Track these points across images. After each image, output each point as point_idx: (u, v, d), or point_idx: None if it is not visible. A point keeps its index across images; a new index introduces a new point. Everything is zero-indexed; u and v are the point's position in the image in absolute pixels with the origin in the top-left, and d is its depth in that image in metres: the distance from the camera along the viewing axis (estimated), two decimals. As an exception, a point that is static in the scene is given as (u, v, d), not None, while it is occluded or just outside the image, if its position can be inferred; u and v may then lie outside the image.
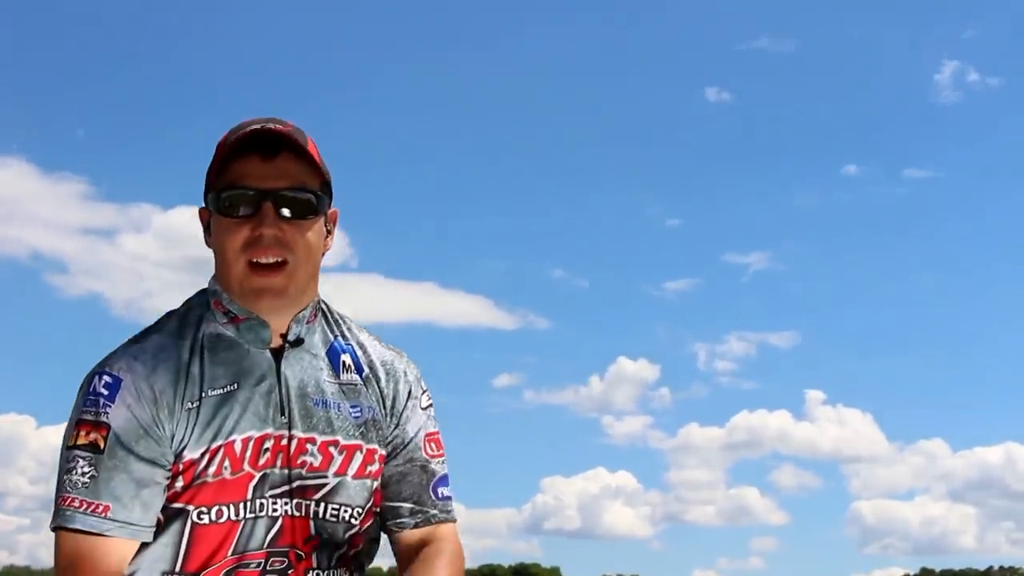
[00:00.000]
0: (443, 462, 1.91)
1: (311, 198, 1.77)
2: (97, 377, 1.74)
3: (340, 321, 1.91)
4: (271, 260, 1.74)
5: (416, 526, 1.88)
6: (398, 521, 1.88)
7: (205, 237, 1.81)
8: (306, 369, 1.81)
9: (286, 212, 1.75)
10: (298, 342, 1.82)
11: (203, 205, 1.82)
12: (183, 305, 1.85)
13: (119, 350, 1.78)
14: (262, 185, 1.74)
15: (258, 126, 1.75)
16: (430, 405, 1.93)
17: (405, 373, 1.91)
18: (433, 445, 1.91)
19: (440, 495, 1.90)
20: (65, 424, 1.75)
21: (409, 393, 1.90)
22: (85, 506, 1.69)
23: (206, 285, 1.85)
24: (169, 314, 1.84)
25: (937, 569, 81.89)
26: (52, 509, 1.71)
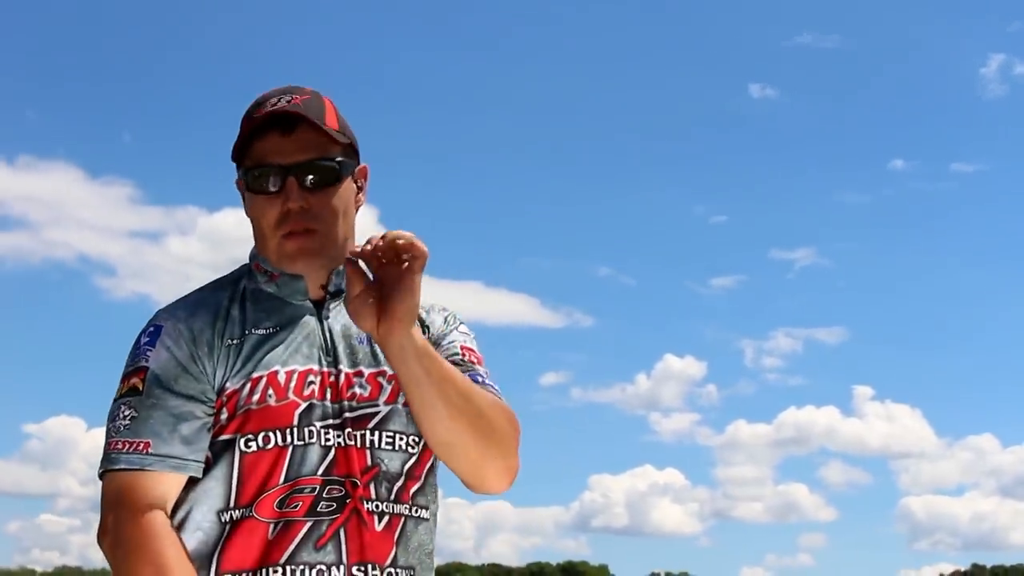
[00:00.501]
0: (485, 372, 1.90)
1: (333, 166, 1.85)
2: (142, 332, 1.84)
3: None
4: (301, 229, 1.83)
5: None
6: None
7: (245, 206, 1.89)
8: (348, 315, 1.80)
9: (309, 184, 1.83)
10: (338, 293, 1.88)
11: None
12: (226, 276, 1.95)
13: (169, 305, 1.88)
14: (284, 161, 1.82)
15: (275, 101, 1.84)
16: (468, 334, 1.96)
17: (444, 309, 1.97)
18: (471, 355, 1.92)
19: (481, 380, 1.86)
20: None
21: (446, 320, 1.95)
22: (127, 446, 1.75)
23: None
24: (212, 281, 1.93)
25: (988, 565, 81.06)
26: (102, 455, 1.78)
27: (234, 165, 1.89)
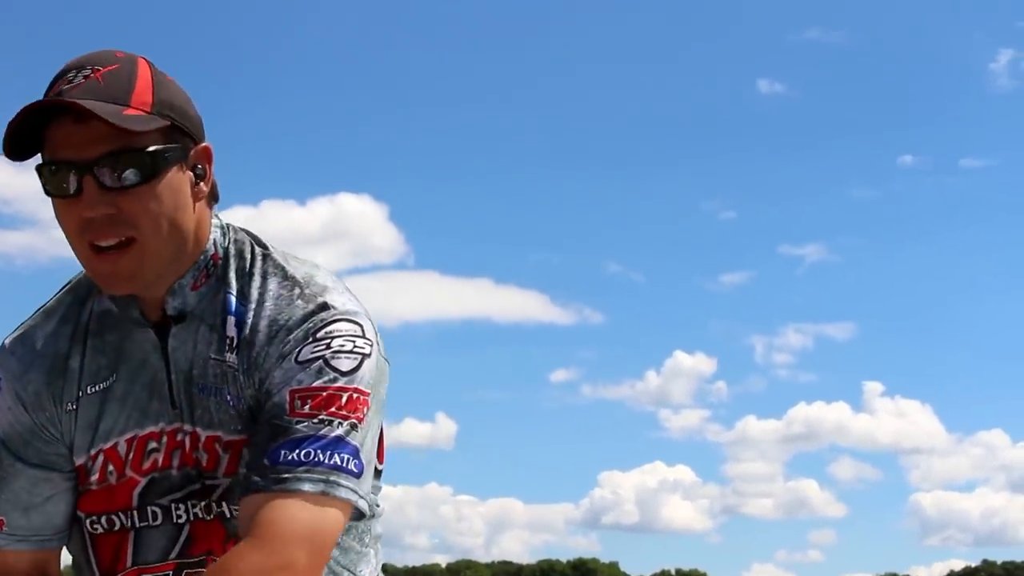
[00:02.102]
0: (326, 423, 1.44)
1: (144, 158, 1.44)
2: None
3: (253, 267, 1.58)
4: (112, 242, 1.45)
5: (240, 497, 1.46)
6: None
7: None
8: (197, 344, 1.55)
9: (110, 182, 1.43)
10: (180, 317, 1.55)
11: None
12: (82, 271, 1.58)
13: (7, 341, 1.61)
14: (78, 156, 1.42)
15: (71, 76, 1.45)
16: (319, 358, 1.47)
17: (288, 320, 1.52)
18: (303, 403, 1.45)
19: (284, 457, 1.42)
20: None
21: (284, 342, 1.50)
22: None
23: None
24: (69, 285, 1.63)
25: (999, 560, 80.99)
26: None
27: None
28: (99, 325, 1.58)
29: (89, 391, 1.56)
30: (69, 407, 1.56)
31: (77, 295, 1.60)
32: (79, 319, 1.59)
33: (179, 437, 1.54)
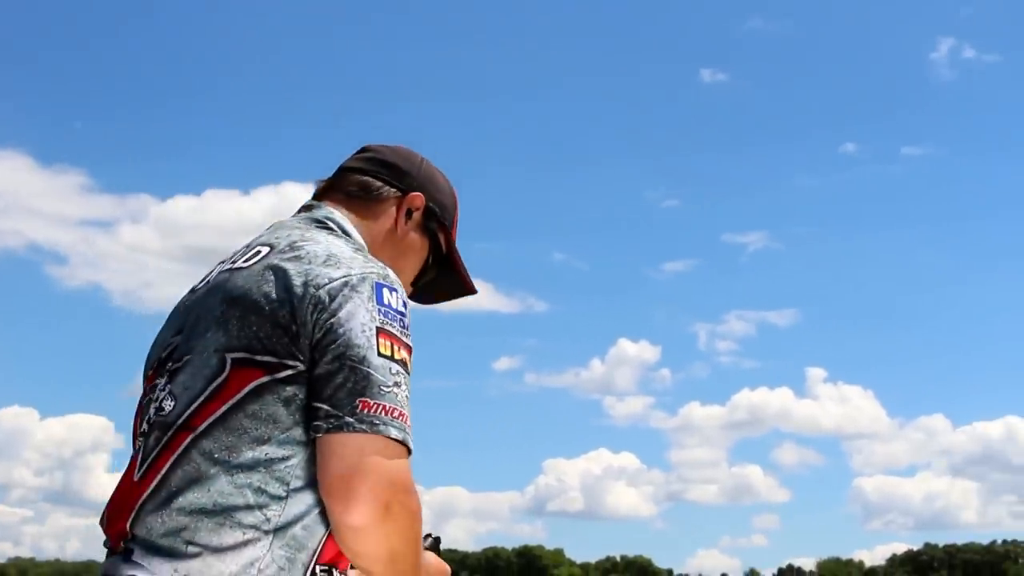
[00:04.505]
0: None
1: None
2: (391, 291, 1.66)
3: None
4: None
5: None
6: None
7: (405, 220, 1.89)
8: None
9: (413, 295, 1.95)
10: None
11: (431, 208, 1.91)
12: (346, 232, 1.81)
13: (386, 267, 1.70)
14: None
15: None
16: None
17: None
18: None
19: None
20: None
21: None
22: (407, 426, 1.59)
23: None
24: (352, 240, 1.80)
25: (940, 544, 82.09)
26: (372, 412, 1.56)
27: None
28: None
29: None
30: None
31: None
32: None
33: None
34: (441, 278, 1.97)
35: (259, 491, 1.55)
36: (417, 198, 1.89)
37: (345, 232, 1.80)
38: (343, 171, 1.91)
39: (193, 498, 1.55)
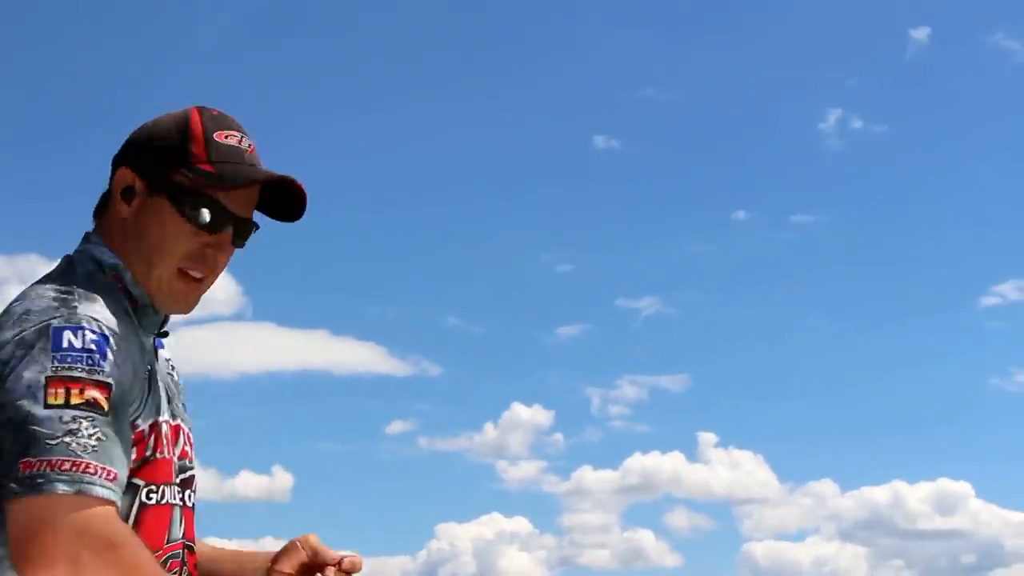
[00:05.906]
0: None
1: (253, 230, 1.76)
2: (75, 331, 1.53)
3: None
4: (198, 276, 1.70)
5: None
6: None
7: (123, 199, 1.67)
8: (164, 360, 1.80)
9: (238, 243, 1.73)
10: (166, 333, 1.77)
11: (134, 165, 1.68)
12: (73, 265, 1.67)
13: (78, 304, 1.58)
14: (241, 213, 1.71)
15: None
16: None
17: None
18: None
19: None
20: None
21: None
22: (100, 472, 1.47)
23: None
24: (76, 280, 1.64)
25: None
26: (36, 470, 1.45)
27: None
28: (137, 319, 1.68)
29: (148, 368, 1.66)
30: (147, 370, 1.64)
31: (96, 288, 1.63)
32: (124, 308, 1.66)
33: (183, 430, 1.74)
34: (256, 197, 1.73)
35: None
36: (122, 174, 1.69)
37: (93, 260, 1.68)
38: None
39: None
